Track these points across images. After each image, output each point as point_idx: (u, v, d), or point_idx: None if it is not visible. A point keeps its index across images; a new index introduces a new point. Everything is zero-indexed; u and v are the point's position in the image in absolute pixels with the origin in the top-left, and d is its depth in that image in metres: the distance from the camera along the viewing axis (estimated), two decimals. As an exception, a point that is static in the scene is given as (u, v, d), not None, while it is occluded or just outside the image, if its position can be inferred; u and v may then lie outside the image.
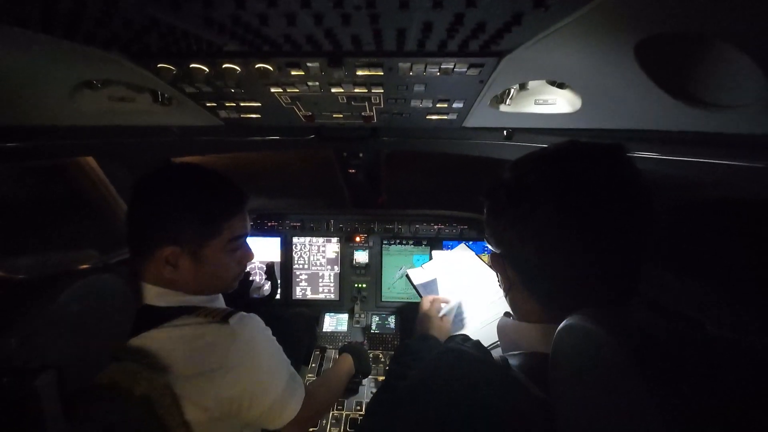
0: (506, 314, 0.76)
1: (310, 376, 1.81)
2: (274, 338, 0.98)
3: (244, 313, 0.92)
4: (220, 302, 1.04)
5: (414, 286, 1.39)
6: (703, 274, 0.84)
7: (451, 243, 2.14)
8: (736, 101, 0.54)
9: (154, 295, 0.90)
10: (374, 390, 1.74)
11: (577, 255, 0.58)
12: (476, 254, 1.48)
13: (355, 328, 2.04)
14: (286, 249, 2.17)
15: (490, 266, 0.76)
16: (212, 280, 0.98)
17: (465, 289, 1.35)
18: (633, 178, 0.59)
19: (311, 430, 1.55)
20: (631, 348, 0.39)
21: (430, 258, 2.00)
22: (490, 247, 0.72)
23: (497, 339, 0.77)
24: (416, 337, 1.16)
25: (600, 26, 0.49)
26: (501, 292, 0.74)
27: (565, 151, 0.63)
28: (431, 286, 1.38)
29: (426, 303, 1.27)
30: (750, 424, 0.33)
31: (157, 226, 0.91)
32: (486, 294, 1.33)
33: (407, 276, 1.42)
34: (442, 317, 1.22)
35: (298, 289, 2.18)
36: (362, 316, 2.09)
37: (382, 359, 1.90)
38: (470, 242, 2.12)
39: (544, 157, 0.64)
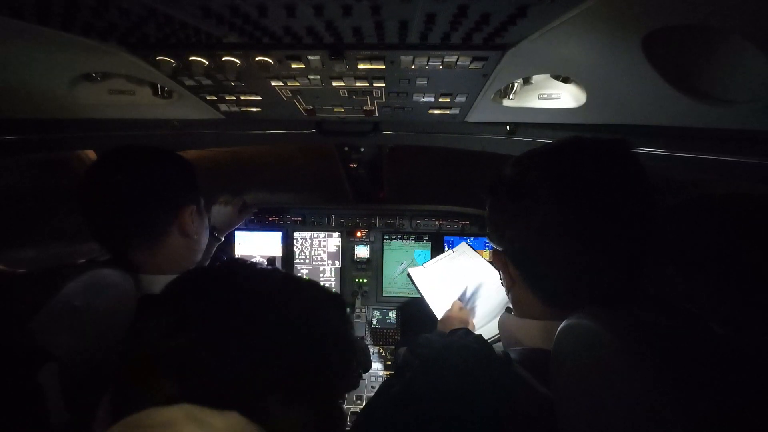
0: (507, 310, 0.76)
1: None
2: None
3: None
4: None
5: (414, 285, 1.38)
6: (710, 271, 0.83)
7: (452, 238, 2.13)
8: (745, 96, 0.53)
9: (154, 284, 0.90)
10: (375, 385, 1.75)
11: (580, 251, 0.57)
12: (478, 250, 1.47)
13: (356, 322, 2.05)
14: (288, 244, 2.18)
15: (492, 263, 0.75)
16: (199, 244, 1.02)
17: (466, 286, 1.35)
18: (636, 174, 0.58)
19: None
20: (632, 347, 0.39)
21: (431, 255, 1.99)
22: (491, 244, 0.72)
23: (497, 333, 0.77)
24: (437, 331, 1.17)
25: (607, 18, 0.48)
26: (502, 288, 0.74)
27: (568, 146, 0.63)
28: (432, 285, 1.38)
29: (455, 307, 1.26)
30: (754, 424, 0.33)
31: (170, 193, 0.92)
32: (487, 289, 1.33)
33: (408, 274, 1.42)
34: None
35: (299, 283, 2.18)
36: (363, 311, 2.09)
37: (383, 354, 1.91)
38: (471, 238, 2.12)
39: (547, 153, 0.63)
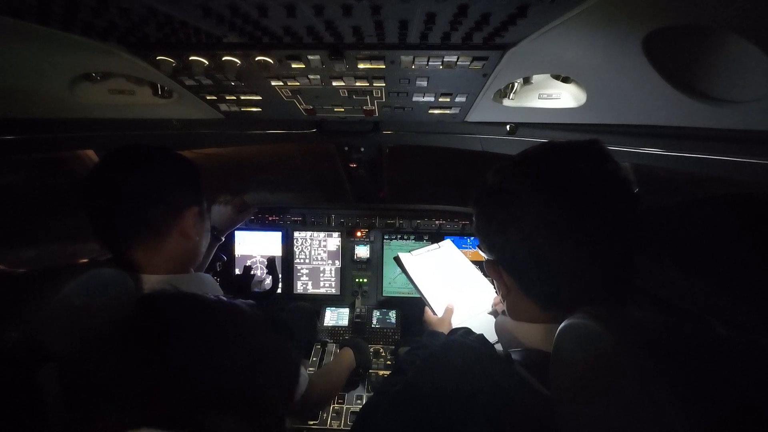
0: (503, 313, 0.76)
1: (311, 370, 1.82)
2: None
3: (242, 300, 0.92)
4: (217, 290, 1.04)
5: (405, 271, 1.37)
6: (710, 271, 0.83)
7: (452, 239, 2.13)
8: (745, 96, 0.53)
9: (154, 284, 0.90)
10: (375, 385, 1.75)
11: (571, 252, 0.58)
12: (472, 250, 1.47)
13: (356, 322, 2.05)
14: (288, 243, 2.18)
15: (486, 273, 0.75)
16: (200, 245, 1.02)
17: (458, 282, 1.35)
18: (614, 171, 0.59)
19: (312, 423, 1.57)
20: (633, 346, 0.39)
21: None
22: (483, 253, 0.72)
23: (492, 334, 0.77)
24: (426, 333, 1.17)
25: (607, 18, 0.48)
26: (488, 285, 0.72)
27: (545, 152, 0.64)
28: (423, 273, 1.37)
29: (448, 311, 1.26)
30: (756, 425, 0.33)
31: (174, 194, 0.91)
32: (478, 288, 1.33)
33: (399, 259, 1.40)
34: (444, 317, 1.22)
35: (299, 283, 2.18)
36: (363, 310, 2.09)
37: (383, 354, 1.90)
38: (471, 238, 2.12)
39: (525, 160, 0.65)
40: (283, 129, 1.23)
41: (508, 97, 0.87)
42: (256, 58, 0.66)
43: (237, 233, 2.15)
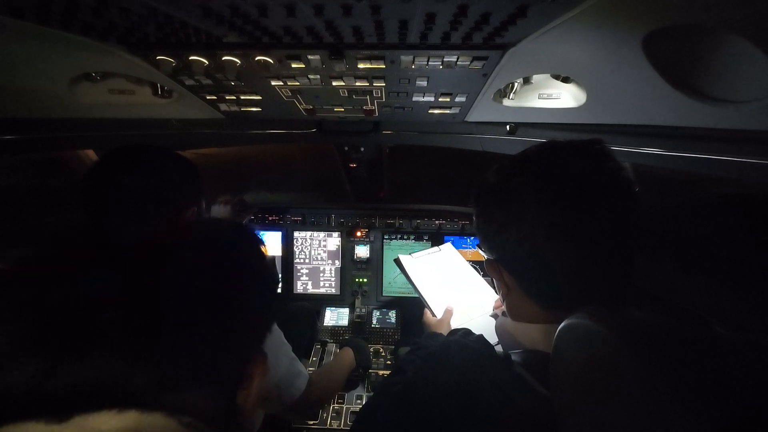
0: (503, 314, 0.76)
1: (311, 369, 1.82)
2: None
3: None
4: None
5: (405, 272, 1.37)
6: (710, 271, 0.83)
7: (452, 238, 2.13)
8: (745, 96, 0.53)
9: None
10: (374, 385, 1.75)
11: (571, 252, 0.58)
12: (472, 250, 1.47)
13: (356, 322, 2.05)
14: (287, 243, 2.18)
15: (486, 272, 0.75)
16: None
17: (457, 284, 1.35)
18: (616, 171, 0.59)
19: (312, 423, 1.57)
20: (633, 346, 0.39)
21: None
22: (483, 253, 0.72)
23: (492, 336, 0.77)
24: (425, 334, 1.17)
25: (607, 18, 0.48)
26: (487, 288, 0.72)
27: (546, 151, 0.64)
28: (423, 275, 1.37)
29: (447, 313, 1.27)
30: (757, 427, 0.33)
31: (173, 194, 0.92)
32: (478, 291, 1.33)
33: (399, 261, 1.40)
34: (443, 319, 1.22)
35: (299, 283, 2.18)
36: (363, 310, 2.09)
37: (383, 353, 1.90)
38: (471, 238, 2.12)
39: (526, 159, 0.64)
40: (283, 129, 1.23)
41: (508, 97, 0.87)
42: (256, 58, 0.66)
43: (237, 233, 2.15)
